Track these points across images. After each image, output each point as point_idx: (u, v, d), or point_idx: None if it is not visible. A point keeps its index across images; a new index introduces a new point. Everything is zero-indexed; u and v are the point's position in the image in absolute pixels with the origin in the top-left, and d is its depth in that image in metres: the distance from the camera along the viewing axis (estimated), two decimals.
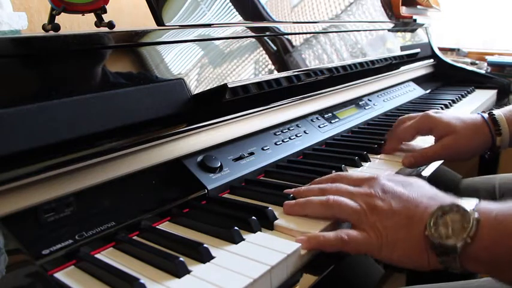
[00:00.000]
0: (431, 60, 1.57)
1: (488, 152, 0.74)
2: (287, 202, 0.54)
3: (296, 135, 0.79)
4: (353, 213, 0.49)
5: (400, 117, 0.81)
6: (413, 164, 0.71)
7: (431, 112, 0.76)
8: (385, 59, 1.16)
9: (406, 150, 0.77)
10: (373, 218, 0.48)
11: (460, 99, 1.27)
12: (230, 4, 0.83)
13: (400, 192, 0.49)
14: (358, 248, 0.47)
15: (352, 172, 0.67)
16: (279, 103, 0.80)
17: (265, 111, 0.77)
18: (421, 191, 0.49)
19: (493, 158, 1.61)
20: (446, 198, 0.47)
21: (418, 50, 1.31)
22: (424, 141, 0.79)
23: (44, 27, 0.58)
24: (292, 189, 0.58)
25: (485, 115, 0.74)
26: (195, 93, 0.66)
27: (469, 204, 0.44)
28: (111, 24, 0.60)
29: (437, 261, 0.43)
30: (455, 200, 0.45)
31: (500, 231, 0.41)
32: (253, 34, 0.83)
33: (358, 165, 0.71)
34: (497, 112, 0.74)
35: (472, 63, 1.71)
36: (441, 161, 0.79)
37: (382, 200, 0.49)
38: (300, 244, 0.46)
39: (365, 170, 0.70)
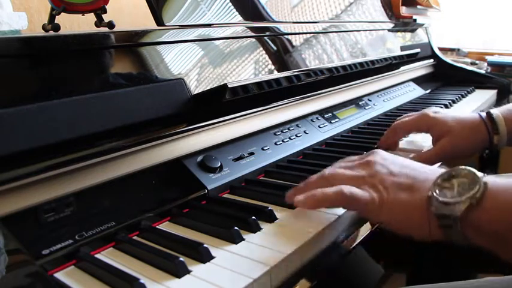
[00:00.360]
0: (431, 60, 1.57)
1: (487, 150, 0.74)
2: (297, 197, 0.50)
3: (296, 135, 0.79)
4: (351, 178, 0.49)
5: (401, 117, 0.82)
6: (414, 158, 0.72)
7: (429, 111, 0.76)
8: (385, 59, 1.16)
9: (402, 150, 0.78)
10: (373, 179, 0.47)
11: (460, 99, 1.27)
12: (230, 4, 0.83)
13: (402, 161, 0.49)
14: (358, 205, 0.46)
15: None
16: (279, 103, 0.80)
17: (265, 111, 0.77)
18: (421, 164, 0.49)
19: (492, 157, 1.61)
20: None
21: (418, 50, 1.31)
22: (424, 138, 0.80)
23: (44, 27, 0.58)
24: (292, 189, 0.57)
25: (483, 114, 0.74)
26: (195, 93, 0.66)
27: (477, 172, 0.43)
28: (111, 24, 0.60)
29: (438, 226, 0.42)
30: (463, 167, 0.44)
31: (507, 201, 0.40)
32: (253, 34, 0.83)
33: None
34: (495, 111, 0.74)
35: (472, 63, 1.71)
36: (441, 161, 0.80)
37: (381, 165, 0.49)
38: (300, 244, 0.46)
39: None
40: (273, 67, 0.84)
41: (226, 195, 0.61)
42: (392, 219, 0.45)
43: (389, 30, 1.38)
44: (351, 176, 0.49)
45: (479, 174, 0.42)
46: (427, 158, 0.72)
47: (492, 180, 0.42)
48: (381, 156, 0.50)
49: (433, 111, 0.77)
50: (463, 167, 0.44)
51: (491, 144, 0.73)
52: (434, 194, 0.42)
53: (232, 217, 0.51)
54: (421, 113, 0.77)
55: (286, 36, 0.91)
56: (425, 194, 0.43)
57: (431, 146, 0.76)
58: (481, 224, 0.40)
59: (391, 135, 0.78)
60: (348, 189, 0.46)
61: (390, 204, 0.45)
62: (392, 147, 0.79)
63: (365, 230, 0.55)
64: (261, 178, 0.67)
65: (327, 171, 0.52)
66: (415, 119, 0.76)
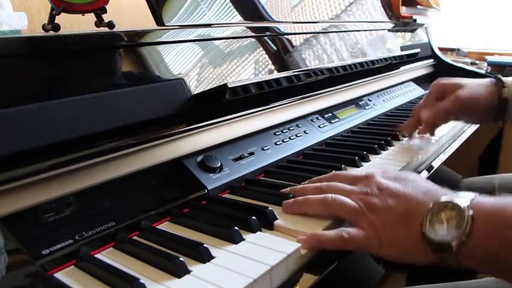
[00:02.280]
0: (431, 60, 1.57)
1: (498, 113, 0.81)
2: (286, 201, 0.54)
3: (296, 135, 0.79)
4: (351, 211, 0.50)
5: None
6: (431, 116, 0.78)
7: (441, 79, 0.84)
8: (385, 59, 1.16)
9: (402, 150, 0.80)
10: (371, 216, 0.48)
11: None
12: (230, 4, 0.83)
13: (396, 189, 0.50)
14: (358, 246, 0.48)
15: (348, 171, 0.67)
16: (279, 103, 0.80)
17: (265, 111, 0.77)
18: (415, 185, 0.50)
19: (492, 157, 1.61)
20: (441, 193, 0.47)
21: (418, 50, 1.31)
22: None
23: (44, 27, 0.58)
24: (288, 188, 0.58)
25: (491, 78, 0.83)
26: (195, 93, 0.66)
27: (464, 200, 0.44)
28: (111, 24, 0.60)
29: (434, 257, 0.44)
30: (451, 195, 0.46)
31: (493, 224, 0.41)
32: (253, 34, 0.83)
33: (358, 165, 0.71)
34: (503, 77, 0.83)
35: (472, 63, 1.71)
36: (441, 161, 0.80)
37: (378, 198, 0.49)
38: (300, 244, 0.46)
39: (365, 170, 0.70)
40: (273, 67, 0.84)
41: (226, 195, 0.61)
42: (392, 252, 0.47)
43: (389, 30, 1.38)
44: (351, 208, 0.50)
45: (465, 204, 0.43)
46: (441, 108, 0.78)
47: (479, 207, 0.43)
48: (377, 186, 0.51)
49: (444, 79, 0.85)
50: (444, 198, 0.45)
51: (501, 99, 0.79)
52: (427, 232, 0.44)
53: (232, 217, 0.51)
54: (435, 82, 0.85)
55: (286, 36, 0.91)
56: (420, 226, 0.45)
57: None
58: (473, 252, 0.42)
59: (413, 123, 0.85)
60: (349, 233, 0.48)
61: (389, 240, 0.46)
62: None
63: None
64: (261, 178, 0.67)
65: (330, 196, 0.52)
66: (431, 89, 0.84)
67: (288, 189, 0.58)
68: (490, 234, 0.41)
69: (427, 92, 0.86)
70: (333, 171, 0.65)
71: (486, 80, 0.83)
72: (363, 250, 0.48)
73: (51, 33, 0.57)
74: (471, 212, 0.42)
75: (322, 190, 0.54)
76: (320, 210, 0.52)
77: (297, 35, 0.95)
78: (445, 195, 0.46)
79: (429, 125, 0.81)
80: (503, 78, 0.82)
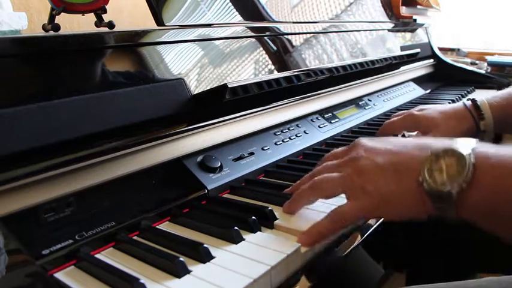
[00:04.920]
0: (431, 60, 1.57)
1: (477, 138, 0.76)
2: (285, 203, 0.54)
3: (296, 135, 0.79)
4: (340, 184, 0.48)
5: (391, 116, 0.85)
6: None
7: (414, 110, 0.78)
8: (385, 59, 1.16)
9: None
10: (361, 180, 0.46)
11: (460, 99, 1.26)
12: (230, 4, 0.83)
13: (384, 147, 0.48)
14: (353, 218, 0.46)
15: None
16: (279, 103, 0.80)
17: (265, 111, 0.77)
18: (402, 142, 0.48)
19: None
20: (438, 143, 0.45)
21: (418, 50, 1.31)
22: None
23: (44, 27, 0.58)
24: (289, 188, 0.58)
25: (468, 102, 0.76)
26: (195, 93, 0.66)
27: (465, 147, 0.42)
28: (111, 24, 0.60)
29: (434, 208, 0.42)
30: (450, 143, 0.43)
31: (497, 177, 0.39)
32: (253, 34, 0.83)
33: None
34: (480, 98, 0.76)
35: (472, 63, 1.71)
36: None
37: (366, 160, 0.47)
38: (300, 244, 0.46)
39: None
40: (273, 67, 0.84)
41: (226, 195, 0.61)
42: (389, 211, 0.45)
43: (389, 30, 1.38)
44: (339, 180, 0.48)
45: (467, 151, 0.41)
46: None
47: (482, 155, 0.41)
48: (364, 149, 0.49)
49: (418, 109, 0.79)
50: (449, 146, 0.43)
51: (479, 130, 0.74)
52: (425, 181, 0.42)
53: (232, 217, 0.51)
54: (407, 113, 0.79)
55: (286, 36, 0.91)
56: (415, 178, 0.43)
57: None
58: (474, 202, 0.40)
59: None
60: (340, 213, 0.46)
61: (384, 200, 0.45)
62: None
63: (365, 230, 0.55)
64: (261, 178, 0.67)
65: (316, 178, 0.51)
66: (401, 119, 0.79)
67: (289, 188, 0.58)
68: (492, 184, 0.39)
69: (399, 116, 0.80)
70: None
71: (461, 111, 0.75)
72: (362, 218, 0.47)
73: (51, 33, 0.57)
74: (473, 160, 0.40)
75: (313, 175, 0.52)
76: (313, 196, 0.51)
77: (297, 35, 0.95)
78: (442, 143, 0.44)
79: None
80: (481, 105, 0.74)
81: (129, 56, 0.62)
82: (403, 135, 0.85)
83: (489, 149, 0.42)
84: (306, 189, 0.51)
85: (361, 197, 0.46)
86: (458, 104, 0.77)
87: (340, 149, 0.56)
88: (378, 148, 0.48)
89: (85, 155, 0.49)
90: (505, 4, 1.97)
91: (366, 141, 0.51)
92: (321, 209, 0.53)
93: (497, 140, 0.97)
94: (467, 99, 0.78)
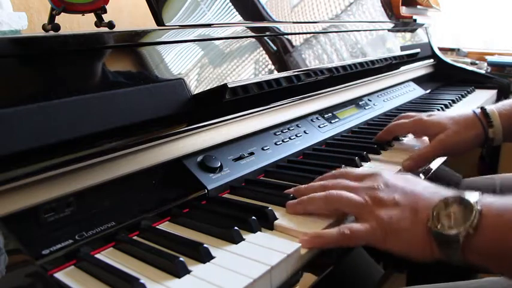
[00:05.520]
0: (431, 60, 1.57)
1: (485, 145, 0.76)
2: (290, 202, 0.54)
3: (296, 135, 0.79)
4: (356, 206, 0.49)
5: (397, 117, 0.85)
6: (413, 166, 0.72)
7: (423, 116, 0.79)
8: (385, 59, 1.16)
9: (402, 150, 0.80)
10: (378, 210, 0.48)
11: (460, 99, 1.27)
12: (230, 4, 0.83)
13: (403, 186, 0.50)
14: (361, 240, 0.47)
15: (354, 168, 0.67)
16: (279, 103, 0.80)
17: (265, 111, 0.77)
18: (422, 185, 0.50)
19: (492, 154, 1.61)
20: (449, 192, 0.48)
21: (418, 50, 1.31)
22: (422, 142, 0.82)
23: (44, 27, 0.58)
24: (292, 189, 0.58)
25: (477, 110, 0.77)
26: (195, 93, 0.66)
27: (471, 196, 0.44)
28: (111, 24, 0.60)
29: (440, 252, 0.43)
30: (458, 192, 0.46)
31: (502, 224, 0.41)
32: (253, 34, 0.83)
33: (358, 165, 0.71)
34: (489, 107, 0.77)
35: (472, 63, 1.71)
36: (441, 161, 0.80)
37: (385, 193, 0.49)
38: (300, 244, 0.46)
39: (366, 170, 0.70)
40: (273, 67, 0.84)
41: (226, 195, 0.61)
42: (396, 246, 0.46)
43: (389, 30, 1.38)
44: (356, 202, 0.50)
45: (474, 200, 0.43)
46: (423, 154, 0.73)
47: (487, 204, 0.43)
48: (384, 182, 0.51)
49: (427, 114, 0.79)
50: (458, 194, 0.45)
51: (487, 138, 0.74)
52: (433, 225, 0.44)
53: (232, 217, 0.51)
54: (416, 117, 0.79)
55: (286, 36, 0.91)
56: (426, 220, 0.45)
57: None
58: (479, 247, 0.42)
59: (385, 136, 0.81)
60: (350, 229, 0.47)
61: (394, 233, 0.46)
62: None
63: None
64: (261, 178, 0.67)
65: (334, 191, 0.52)
66: (410, 123, 0.79)
67: (292, 189, 0.58)
68: (497, 230, 0.41)
69: (407, 119, 0.80)
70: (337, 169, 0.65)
71: (470, 118, 0.75)
72: (367, 244, 0.48)
73: (51, 33, 0.57)
74: (479, 207, 0.42)
75: (327, 187, 0.53)
76: (324, 207, 0.52)
77: (297, 35, 0.95)
78: (453, 193, 0.46)
79: (408, 171, 0.72)
80: (490, 113, 0.74)
81: (129, 56, 0.62)
82: (400, 140, 0.85)
83: (495, 198, 0.44)
84: (320, 198, 0.52)
85: (373, 225, 0.47)
86: (468, 111, 0.77)
87: (356, 170, 0.59)
88: (397, 185, 0.50)
89: (85, 155, 0.49)
90: (505, 4, 1.97)
91: (386, 175, 0.53)
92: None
93: (496, 150, 0.97)
94: (477, 107, 0.78)
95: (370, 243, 0.47)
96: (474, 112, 0.76)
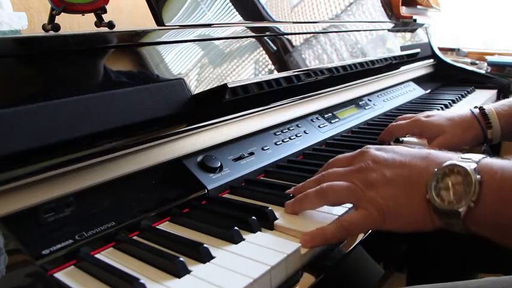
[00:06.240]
0: (431, 60, 1.57)
1: (483, 144, 0.76)
2: (287, 202, 0.54)
3: (296, 135, 0.79)
4: (349, 193, 0.48)
5: (397, 118, 0.85)
6: None
7: (421, 116, 0.78)
8: (385, 59, 1.16)
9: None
10: (370, 192, 0.47)
11: (460, 99, 1.27)
12: (230, 4, 0.83)
13: (393, 159, 0.48)
14: (361, 228, 0.47)
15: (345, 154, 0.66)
16: (279, 103, 0.80)
17: (265, 111, 0.77)
18: (412, 152, 0.49)
19: (492, 152, 1.61)
20: (442, 156, 0.46)
21: (418, 50, 1.31)
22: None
23: (44, 27, 0.58)
24: (292, 188, 0.58)
25: (476, 110, 0.76)
26: (195, 93, 0.66)
27: (470, 163, 0.42)
28: (111, 24, 0.60)
29: (441, 222, 0.43)
30: (453, 158, 0.44)
31: (504, 193, 0.40)
32: (253, 34, 0.83)
33: None
34: (488, 106, 0.76)
35: (472, 63, 1.71)
36: None
37: (375, 172, 0.48)
38: (300, 244, 0.46)
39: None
40: (273, 67, 0.84)
41: (226, 195, 0.61)
42: (397, 224, 0.46)
43: (389, 30, 1.38)
44: (348, 190, 0.49)
45: (471, 167, 0.42)
46: None
47: (486, 170, 0.41)
48: (372, 159, 0.50)
49: (425, 115, 0.79)
50: (454, 162, 0.43)
51: (486, 138, 0.74)
52: (432, 199, 0.43)
53: (232, 217, 0.51)
54: (414, 118, 0.79)
55: (286, 36, 0.91)
56: (424, 192, 0.44)
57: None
58: (481, 218, 0.41)
59: (386, 137, 0.81)
60: (348, 221, 0.47)
61: (392, 213, 0.45)
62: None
63: None
64: (261, 178, 0.67)
65: (324, 185, 0.51)
66: (408, 124, 0.79)
67: (292, 189, 0.58)
68: (499, 199, 0.40)
69: (405, 120, 0.80)
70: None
71: (469, 119, 0.74)
72: (368, 230, 0.47)
73: (51, 33, 0.57)
74: (478, 177, 0.41)
75: (320, 180, 0.53)
76: (319, 202, 0.51)
77: (297, 35, 0.95)
78: (448, 159, 0.45)
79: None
80: (489, 113, 0.74)
81: (129, 56, 0.62)
82: (401, 142, 0.85)
83: (494, 163, 0.42)
84: (312, 194, 0.51)
85: (370, 209, 0.46)
86: (466, 112, 0.76)
87: (346, 154, 0.56)
88: (386, 159, 0.49)
89: (85, 155, 0.49)
90: (505, 4, 1.97)
91: (374, 150, 0.51)
92: (321, 209, 0.53)
93: (496, 147, 0.97)
94: (475, 107, 0.77)
95: (371, 228, 0.47)
96: (472, 112, 0.76)
